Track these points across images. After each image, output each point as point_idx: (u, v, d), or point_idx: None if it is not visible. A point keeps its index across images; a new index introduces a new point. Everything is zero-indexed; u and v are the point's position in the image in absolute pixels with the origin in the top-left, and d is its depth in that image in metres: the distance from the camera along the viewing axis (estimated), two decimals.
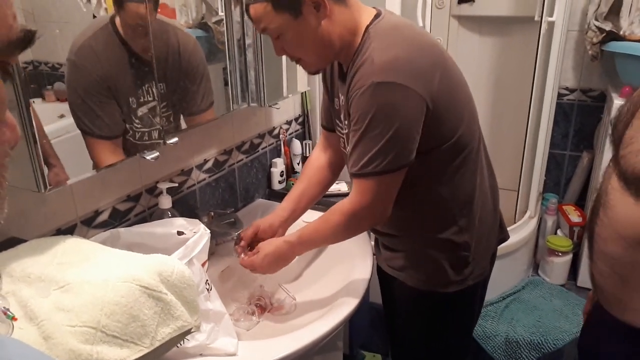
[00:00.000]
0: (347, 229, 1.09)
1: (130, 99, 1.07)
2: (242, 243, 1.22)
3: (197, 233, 1.02)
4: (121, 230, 1.06)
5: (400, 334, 1.31)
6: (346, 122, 1.08)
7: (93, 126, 1.01)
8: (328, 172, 1.29)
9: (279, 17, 0.97)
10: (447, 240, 1.11)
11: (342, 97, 1.09)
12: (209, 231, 1.04)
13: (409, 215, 1.12)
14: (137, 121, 1.09)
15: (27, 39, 0.34)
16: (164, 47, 1.15)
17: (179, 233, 1.06)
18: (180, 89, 1.22)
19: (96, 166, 1.04)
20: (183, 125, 1.27)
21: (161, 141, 1.14)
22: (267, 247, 1.14)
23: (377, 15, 1.02)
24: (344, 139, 1.14)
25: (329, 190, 1.34)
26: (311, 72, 1.10)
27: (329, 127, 1.24)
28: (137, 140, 1.10)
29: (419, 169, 1.02)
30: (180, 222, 1.08)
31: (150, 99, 1.10)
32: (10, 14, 0.33)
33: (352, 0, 1.02)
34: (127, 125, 1.08)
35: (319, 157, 1.31)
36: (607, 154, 2.09)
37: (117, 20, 1.01)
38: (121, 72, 1.05)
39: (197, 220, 1.08)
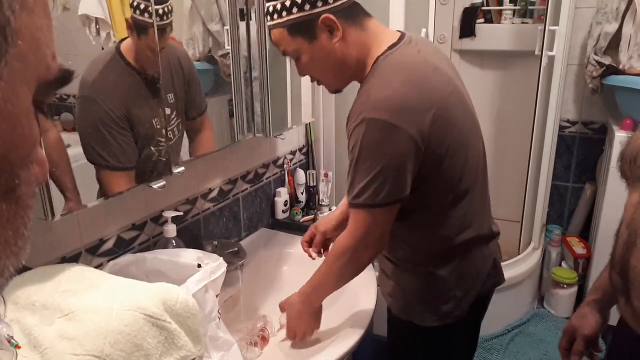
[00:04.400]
0: (349, 265, 1.09)
1: (154, 120, 1.09)
2: (316, 250, 1.32)
3: (215, 262, 1.02)
4: (147, 255, 1.07)
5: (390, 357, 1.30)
6: None
7: (109, 157, 1.03)
8: None
9: (295, 41, 1.01)
10: (427, 272, 1.11)
11: None
12: (226, 264, 1.03)
13: (399, 243, 1.13)
14: (162, 140, 1.11)
15: (65, 78, 0.32)
16: (168, 62, 1.17)
17: (199, 266, 1.05)
18: (184, 95, 1.25)
19: (107, 194, 1.05)
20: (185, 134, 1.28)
21: (168, 163, 1.15)
22: (288, 310, 1.21)
23: (394, 44, 1.01)
24: None
25: None
26: (331, 91, 1.13)
27: None
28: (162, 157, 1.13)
29: (413, 204, 1.03)
30: (198, 255, 1.08)
31: (169, 114, 1.15)
32: (50, 53, 0.31)
33: (371, 23, 1.03)
34: (153, 148, 1.10)
35: None
36: (610, 185, 2.09)
37: (123, 46, 1.03)
38: (136, 97, 1.07)
39: (216, 255, 1.07)
